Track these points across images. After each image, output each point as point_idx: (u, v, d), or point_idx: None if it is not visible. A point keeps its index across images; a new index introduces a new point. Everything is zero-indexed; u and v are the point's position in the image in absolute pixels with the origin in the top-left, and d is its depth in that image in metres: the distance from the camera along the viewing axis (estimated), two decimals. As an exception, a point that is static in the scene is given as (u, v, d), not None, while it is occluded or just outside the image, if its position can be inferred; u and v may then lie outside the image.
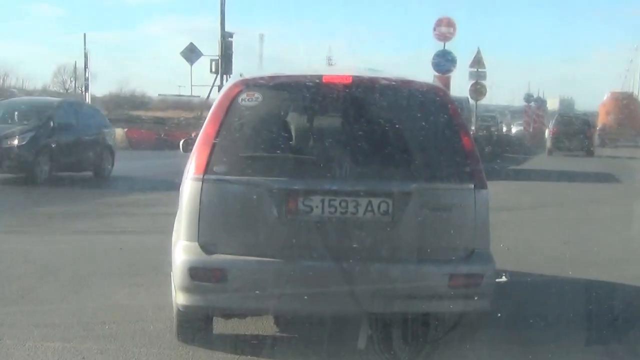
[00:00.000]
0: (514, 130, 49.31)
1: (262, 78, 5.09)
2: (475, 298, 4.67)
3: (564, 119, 32.58)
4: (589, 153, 29.00)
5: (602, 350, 5.04)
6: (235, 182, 4.64)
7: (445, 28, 24.00)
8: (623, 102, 34.95)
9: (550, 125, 33.25)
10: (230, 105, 4.77)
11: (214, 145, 4.68)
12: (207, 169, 4.64)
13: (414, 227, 4.63)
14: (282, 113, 4.91)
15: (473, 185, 4.71)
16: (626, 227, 10.21)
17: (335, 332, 4.96)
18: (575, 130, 30.62)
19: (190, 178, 4.69)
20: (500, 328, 5.19)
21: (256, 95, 4.82)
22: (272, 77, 5.09)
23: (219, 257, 4.58)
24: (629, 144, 32.74)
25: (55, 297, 6.33)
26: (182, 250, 4.65)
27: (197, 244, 4.62)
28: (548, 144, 31.55)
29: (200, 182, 4.63)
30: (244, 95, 4.80)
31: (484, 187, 4.75)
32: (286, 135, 4.81)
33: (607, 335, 5.28)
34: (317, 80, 4.89)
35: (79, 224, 10.37)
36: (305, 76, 5.00)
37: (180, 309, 4.79)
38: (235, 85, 4.91)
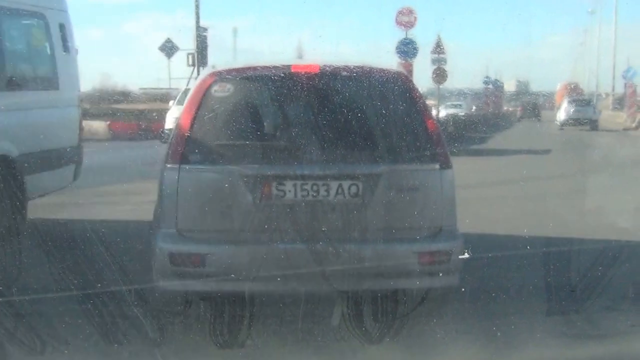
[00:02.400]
0: (444, 113, 39.33)
1: (233, 70, 5.08)
2: (444, 274, 4.69)
3: (524, 102, 52.15)
4: (538, 119, 43.27)
5: (562, 320, 5.05)
6: (211, 170, 4.64)
7: (406, 17, 24.52)
8: (571, 90, 50.69)
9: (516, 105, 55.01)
10: (203, 96, 4.76)
11: (189, 135, 4.65)
12: (183, 158, 4.63)
13: (384, 208, 4.64)
14: (253, 102, 4.89)
15: (438, 166, 4.72)
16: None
17: (310, 312, 4.92)
18: (531, 107, 48.15)
19: (168, 167, 4.66)
20: (464, 302, 5.17)
21: (228, 86, 4.82)
22: (243, 69, 5.10)
23: (196, 243, 4.57)
24: None
25: (37, 287, 6.16)
26: (161, 237, 4.64)
27: (175, 230, 4.61)
28: (518, 115, 48.56)
29: (177, 171, 4.61)
30: (216, 87, 4.79)
31: (449, 167, 4.78)
32: (258, 123, 4.79)
33: (566, 306, 5.27)
34: (286, 70, 4.88)
35: (60, 214, 10.13)
36: (274, 67, 4.99)
37: (161, 294, 4.75)
38: (208, 77, 4.89)
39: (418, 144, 4.76)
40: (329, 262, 4.50)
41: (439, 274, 4.66)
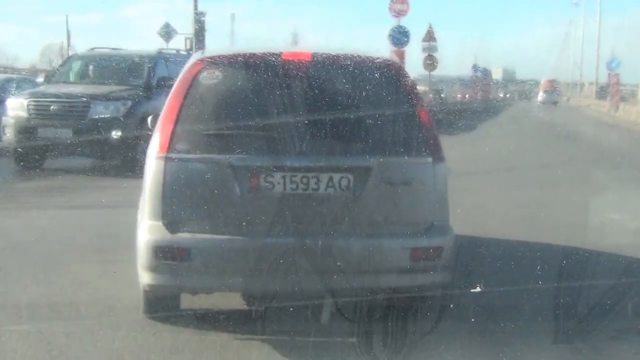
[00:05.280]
0: None
1: (222, 56, 4.72)
2: (437, 271, 4.36)
3: (518, 90, 66.73)
4: (528, 99, 60.29)
5: (567, 348, 4.55)
6: (198, 160, 4.29)
7: (399, 5, 24.32)
8: (551, 83, 61.78)
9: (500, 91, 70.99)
10: (191, 83, 4.40)
11: (176, 124, 4.31)
12: (170, 147, 4.29)
13: (375, 202, 4.31)
14: (242, 90, 4.51)
15: (431, 159, 4.39)
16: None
17: (301, 307, 4.57)
18: (523, 92, 65.62)
19: (154, 157, 4.34)
20: (473, 332, 4.64)
21: (217, 73, 4.46)
22: (232, 55, 4.71)
23: (182, 236, 4.24)
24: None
25: (24, 275, 5.79)
26: (146, 230, 4.30)
27: (160, 223, 4.27)
28: (516, 97, 63.69)
29: (164, 161, 4.28)
30: (205, 74, 4.44)
31: (442, 160, 4.44)
32: (247, 112, 4.41)
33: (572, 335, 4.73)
34: (277, 58, 4.50)
35: (56, 199, 9.77)
36: (264, 54, 4.59)
37: (146, 288, 4.44)
38: (196, 63, 4.53)
39: (411, 136, 4.43)
40: (318, 257, 4.17)
41: (430, 271, 4.34)
